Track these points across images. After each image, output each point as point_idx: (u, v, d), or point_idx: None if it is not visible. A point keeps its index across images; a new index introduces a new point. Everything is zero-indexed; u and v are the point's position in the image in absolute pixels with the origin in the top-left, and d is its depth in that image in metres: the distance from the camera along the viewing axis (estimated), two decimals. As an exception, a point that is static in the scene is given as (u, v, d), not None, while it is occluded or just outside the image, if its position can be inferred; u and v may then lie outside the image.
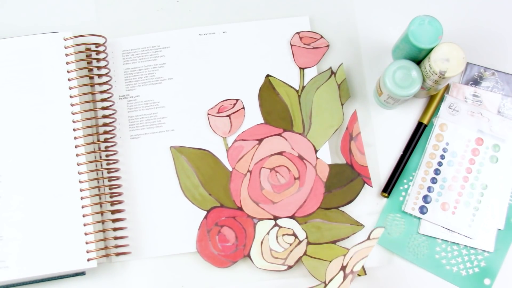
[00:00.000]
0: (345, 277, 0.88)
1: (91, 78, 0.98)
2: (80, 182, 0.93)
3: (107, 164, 0.98)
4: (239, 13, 1.04)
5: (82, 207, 0.93)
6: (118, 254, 0.95)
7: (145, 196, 0.98)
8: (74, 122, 0.95)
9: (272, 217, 0.97)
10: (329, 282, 0.90)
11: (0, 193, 0.93)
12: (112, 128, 0.98)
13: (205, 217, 0.97)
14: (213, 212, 0.97)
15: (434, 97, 0.99)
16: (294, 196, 0.98)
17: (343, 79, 1.01)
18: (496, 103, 0.99)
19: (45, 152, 0.94)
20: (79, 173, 0.94)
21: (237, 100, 1.01)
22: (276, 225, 0.97)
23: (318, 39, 1.02)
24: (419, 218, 0.97)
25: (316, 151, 0.99)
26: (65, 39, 0.97)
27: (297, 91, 1.01)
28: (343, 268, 0.90)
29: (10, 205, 0.93)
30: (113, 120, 0.99)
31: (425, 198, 0.97)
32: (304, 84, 1.01)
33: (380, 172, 0.99)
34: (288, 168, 0.99)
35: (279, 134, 1.00)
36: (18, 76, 0.96)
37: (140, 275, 0.95)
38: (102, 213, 0.95)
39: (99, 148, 0.98)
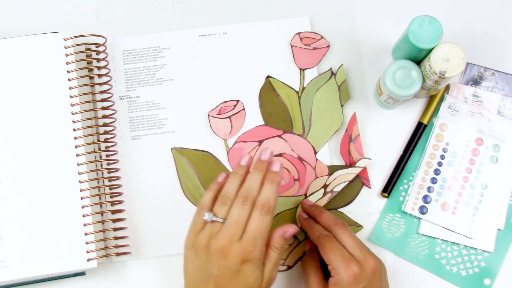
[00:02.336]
0: (324, 194, 0.96)
1: (91, 78, 0.98)
2: (80, 182, 0.93)
3: (107, 164, 0.98)
4: (240, 14, 1.04)
5: (82, 207, 0.93)
6: (118, 254, 0.95)
7: (146, 196, 0.98)
8: (74, 122, 0.94)
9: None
10: (309, 195, 0.97)
11: (0, 193, 0.93)
12: (112, 128, 0.98)
13: (206, 217, 0.97)
14: (213, 212, 0.97)
15: (434, 97, 0.99)
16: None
17: (343, 80, 1.01)
18: (496, 103, 0.99)
19: (45, 152, 0.94)
20: (79, 173, 0.93)
21: (237, 101, 1.01)
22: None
23: (319, 40, 1.03)
24: (419, 218, 0.97)
25: (315, 152, 1.00)
26: (65, 39, 0.96)
27: (297, 92, 1.01)
28: (325, 186, 0.97)
29: (10, 205, 0.93)
30: (113, 120, 0.99)
31: (425, 198, 0.97)
32: (304, 85, 1.01)
33: (380, 172, 0.99)
34: (288, 170, 0.99)
35: (279, 136, 1.00)
36: (18, 76, 0.96)
37: (140, 275, 0.95)
38: (102, 213, 0.95)
39: (99, 148, 0.98)
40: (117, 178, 0.98)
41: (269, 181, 0.83)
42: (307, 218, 0.94)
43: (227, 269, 0.80)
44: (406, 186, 0.98)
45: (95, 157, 0.97)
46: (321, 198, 0.96)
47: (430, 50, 0.90)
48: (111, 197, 0.97)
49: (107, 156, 0.98)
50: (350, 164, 0.99)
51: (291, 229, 0.84)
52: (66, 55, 0.96)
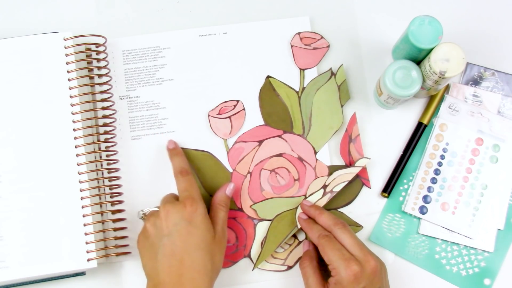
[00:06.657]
0: (324, 194, 0.97)
1: (91, 78, 0.98)
2: (80, 182, 0.93)
3: (108, 164, 0.98)
4: (240, 14, 1.04)
5: (82, 207, 0.93)
6: (118, 254, 0.95)
7: (146, 196, 0.98)
8: (74, 122, 0.94)
9: (272, 219, 0.97)
10: (309, 195, 0.98)
11: (0, 193, 0.93)
12: (112, 128, 0.98)
13: (206, 217, 0.97)
14: (213, 212, 0.97)
15: (434, 97, 0.99)
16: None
17: (343, 80, 1.01)
18: (496, 103, 0.99)
19: (45, 152, 0.94)
20: (79, 173, 0.93)
21: (237, 101, 1.01)
22: (276, 225, 0.98)
23: (319, 40, 1.03)
24: (419, 218, 0.97)
25: (315, 152, 1.00)
26: (65, 39, 0.96)
27: (297, 92, 1.01)
28: (324, 186, 0.97)
29: (10, 205, 0.93)
30: (113, 120, 0.99)
31: (425, 198, 0.97)
32: (304, 85, 1.01)
33: (380, 172, 0.99)
34: (288, 170, 0.99)
35: (279, 136, 1.00)
36: (18, 76, 0.95)
37: (140, 275, 0.94)
38: (102, 213, 0.95)
39: (99, 148, 0.98)
40: (117, 178, 0.98)
41: (172, 155, 0.96)
42: (306, 219, 0.94)
43: (177, 225, 0.86)
44: (406, 186, 0.98)
45: (95, 157, 0.97)
46: (320, 198, 0.96)
47: (430, 50, 0.90)
48: (111, 197, 0.97)
49: (107, 156, 0.98)
50: (350, 164, 0.99)
51: (231, 184, 0.95)
52: (66, 55, 0.96)
